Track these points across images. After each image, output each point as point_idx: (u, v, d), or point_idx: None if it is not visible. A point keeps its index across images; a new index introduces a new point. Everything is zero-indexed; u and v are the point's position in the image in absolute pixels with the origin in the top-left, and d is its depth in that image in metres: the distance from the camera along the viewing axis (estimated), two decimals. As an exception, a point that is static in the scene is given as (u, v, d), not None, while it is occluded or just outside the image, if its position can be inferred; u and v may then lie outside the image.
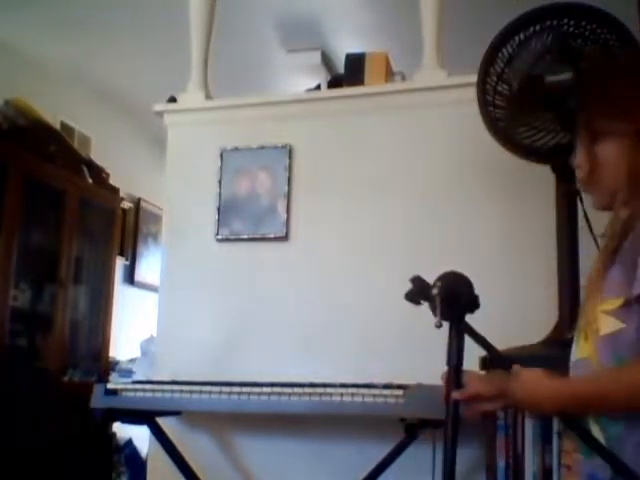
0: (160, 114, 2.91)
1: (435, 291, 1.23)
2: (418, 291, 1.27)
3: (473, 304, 1.27)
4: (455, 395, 1.25)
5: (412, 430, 2.09)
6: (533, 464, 1.79)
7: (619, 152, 1.15)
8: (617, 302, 1.08)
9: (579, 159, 1.22)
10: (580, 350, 1.16)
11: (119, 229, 4.77)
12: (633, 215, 1.12)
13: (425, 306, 1.30)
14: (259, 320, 2.64)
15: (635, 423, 1.06)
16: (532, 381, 1.13)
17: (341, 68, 2.95)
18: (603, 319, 1.09)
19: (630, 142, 1.14)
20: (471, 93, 2.05)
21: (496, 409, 1.33)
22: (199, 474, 2.35)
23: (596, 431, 1.10)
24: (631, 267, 1.06)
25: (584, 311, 1.16)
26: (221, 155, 2.78)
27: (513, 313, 2.29)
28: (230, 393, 2.10)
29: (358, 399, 1.99)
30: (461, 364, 1.26)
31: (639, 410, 1.05)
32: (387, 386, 2.02)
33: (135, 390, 2.24)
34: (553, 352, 1.23)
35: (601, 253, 1.16)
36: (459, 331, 1.27)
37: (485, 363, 1.78)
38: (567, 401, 1.09)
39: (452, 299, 1.24)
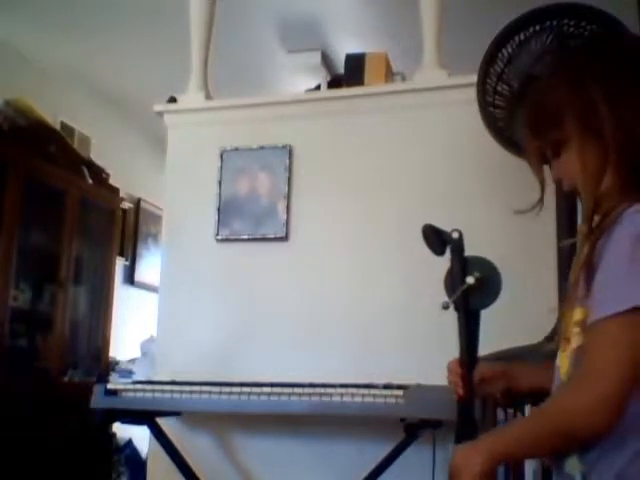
0: (160, 114, 2.91)
1: (471, 280, 1.21)
2: (437, 243, 1.25)
3: (499, 293, 1.26)
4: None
5: (412, 430, 2.09)
6: (533, 464, 1.79)
7: (576, 156, 1.11)
8: (583, 313, 1.05)
9: (554, 175, 1.19)
10: (558, 358, 1.15)
11: (119, 229, 4.76)
12: (604, 218, 1.06)
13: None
14: (259, 320, 2.64)
15: (611, 453, 1.00)
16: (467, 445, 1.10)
17: (341, 68, 2.95)
18: (574, 331, 1.07)
19: (578, 143, 1.10)
20: (471, 93, 2.05)
21: (496, 392, 1.33)
22: (199, 474, 2.35)
23: (574, 462, 1.05)
24: (591, 279, 1.02)
25: (561, 319, 1.13)
26: (221, 155, 2.78)
27: (513, 312, 2.29)
28: (230, 393, 2.10)
29: (358, 399, 2.00)
30: (477, 348, 1.26)
31: (571, 440, 1.02)
32: (387, 386, 2.02)
33: (135, 390, 2.24)
34: (553, 352, 1.23)
35: (576, 258, 1.10)
36: (477, 319, 1.26)
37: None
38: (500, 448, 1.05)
39: (485, 288, 1.22)
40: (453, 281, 1.23)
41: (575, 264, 1.09)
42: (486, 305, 1.27)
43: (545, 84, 1.19)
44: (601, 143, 1.07)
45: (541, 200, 1.22)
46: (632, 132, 1.06)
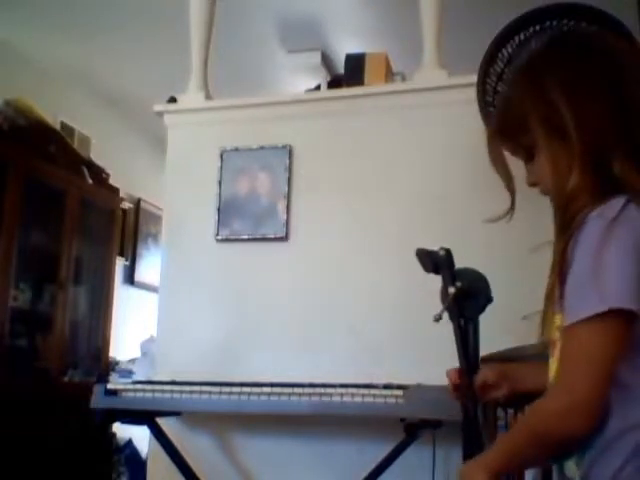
0: (160, 114, 2.91)
1: (452, 290, 1.23)
2: (428, 263, 1.28)
3: (489, 300, 1.28)
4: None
5: (412, 430, 2.09)
6: (532, 469, 1.78)
7: (546, 159, 1.12)
8: (561, 319, 1.05)
9: (529, 179, 1.19)
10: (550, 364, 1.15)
11: (119, 229, 4.77)
12: (572, 221, 1.06)
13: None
14: (259, 320, 2.64)
15: (605, 457, 1.00)
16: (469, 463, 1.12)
17: (341, 68, 2.95)
18: (557, 335, 1.07)
19: (546, 145, 1.10)
20: (471, 93, 2.06)
21: (501, 396, 1.33)
22: (199, 474, 2.35)
23: (571, 466, 1.05)
24: (563, 282, 1.03)
25: (543, 322, 1.12)
26: (221, 155, 2.78)
27: (514, 313, 2.29)
28: (230, 393, 2.10)
29: (358, 399, 2.00)
30: (478, 356, 1.27)
31: (551, 446, 1.03)
32: (387, 386, 2.02)
33: (135, 390, 2.24)
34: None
35: (552, 261, 1.11)
36: (476, 326, 1.28)
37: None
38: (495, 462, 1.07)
39: (473, 296, 1.24)
40: (443, 294, 1.27)
41: (551, 267, 1.11)
42: (477, 312, 1.29)
43: (508, 90, 1.20)
44: (567, 144, 1.08)
45: (512, 207, 1.24)
46: (595, 132, 1.06)
